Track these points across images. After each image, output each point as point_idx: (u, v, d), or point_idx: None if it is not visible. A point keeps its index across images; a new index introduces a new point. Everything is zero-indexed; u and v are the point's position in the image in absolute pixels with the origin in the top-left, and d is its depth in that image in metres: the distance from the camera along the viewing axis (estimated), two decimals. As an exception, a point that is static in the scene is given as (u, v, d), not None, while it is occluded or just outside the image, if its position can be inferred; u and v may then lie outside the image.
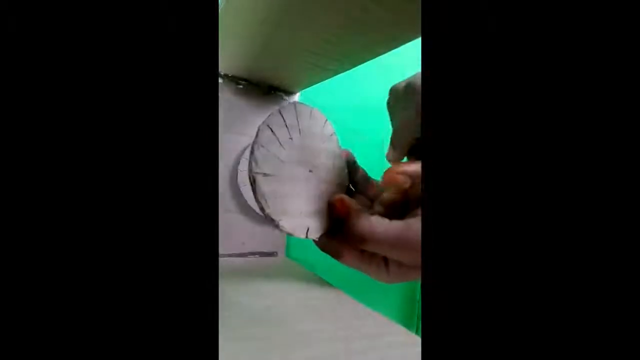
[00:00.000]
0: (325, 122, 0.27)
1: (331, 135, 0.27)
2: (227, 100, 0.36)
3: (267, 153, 0.22)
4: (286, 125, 0.24)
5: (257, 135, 0.22)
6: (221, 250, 0.35)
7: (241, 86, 0.36)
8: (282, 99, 0.39)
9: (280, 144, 0.23)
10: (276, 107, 0.38)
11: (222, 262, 0.33)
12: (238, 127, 0.36)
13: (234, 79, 0.36)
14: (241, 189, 0.36)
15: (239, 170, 0.36)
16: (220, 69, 0.35)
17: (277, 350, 0.15)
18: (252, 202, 0.36)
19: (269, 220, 0.21)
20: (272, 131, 0.23)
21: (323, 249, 0.24)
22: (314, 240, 0.24)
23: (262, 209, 0.21)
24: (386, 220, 0.20)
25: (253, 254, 0.37)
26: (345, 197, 0.23)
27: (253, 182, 0.21)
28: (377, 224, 0.20)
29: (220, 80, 0.35)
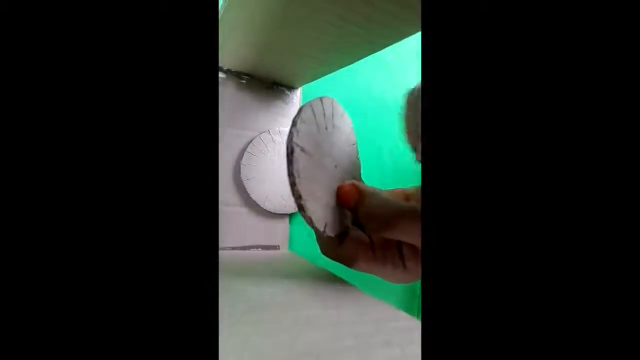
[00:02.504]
0: (351, 129, 0.27)
1: (353, 144, 0.27)
2: (230, 95, 0.36)
3: (307, 129, 0.21)
4: (324, 114, 0.23)
5: (300, 112, 0.21)
6: (224, 244, 0.35)
7: (244, 81, 0.37)
8: (285, 93, 0.39)
9: (318, 127, 0.22)
10: (278, 102, 0.39)
11: (225, 255, 0.33)
12: (241, 121, 0.37)
13: (237, 74, 0.36)
14: (244, 183, 0.36)
15: (242, 165, 0.36)
16: (223, 64, 0.35)
17: (286, 333, 0.15)
18: (255, 195, 0.37)
19: (295, 197, 0.20)
20: (313, 113, 0.22)
21: (335, 258, 0.23)
22: (322, 252, 0.24)
23: (292, 183, 0.20)
24: (400, 200, 0.21)
25: (256, 247, 0.37)
26: (357, 182, 0.23)
27: (291, 153, 0.20)
28: (395, 202, 0.21)
29: (223, 76, 0.36)
